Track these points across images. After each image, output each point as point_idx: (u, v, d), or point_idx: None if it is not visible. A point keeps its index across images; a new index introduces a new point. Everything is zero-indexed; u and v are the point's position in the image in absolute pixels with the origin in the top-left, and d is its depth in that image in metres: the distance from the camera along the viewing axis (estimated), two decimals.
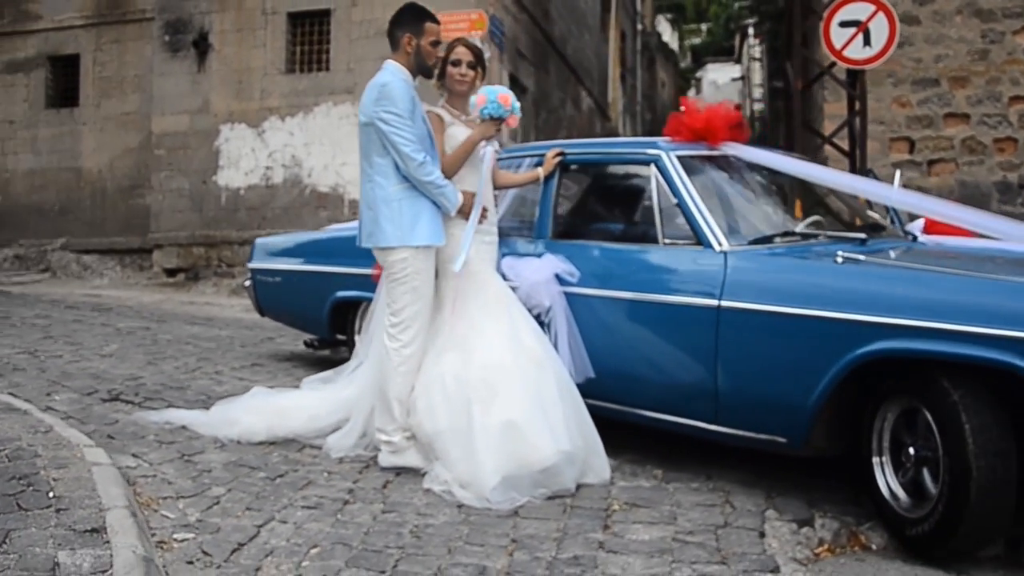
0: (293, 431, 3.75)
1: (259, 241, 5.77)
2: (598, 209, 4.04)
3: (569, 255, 3.72)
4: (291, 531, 2.81)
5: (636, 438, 3.70)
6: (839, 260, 3.01)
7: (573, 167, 4.00)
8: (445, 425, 3.29)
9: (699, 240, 3.36)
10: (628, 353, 3.52)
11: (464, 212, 3.52)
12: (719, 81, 36.95)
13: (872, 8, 6.73)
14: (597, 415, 3.60)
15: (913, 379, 2.78)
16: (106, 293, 10.79)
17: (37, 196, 13.04)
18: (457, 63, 3.58)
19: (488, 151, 3.65)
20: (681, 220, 3.45)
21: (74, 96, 12.88)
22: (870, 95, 8.66)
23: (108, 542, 2.37)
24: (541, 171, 3.93)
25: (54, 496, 2.69)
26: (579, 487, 3.26)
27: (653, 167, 3.59)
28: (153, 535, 2.67)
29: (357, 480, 3.34)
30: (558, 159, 3.93)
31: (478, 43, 3.65)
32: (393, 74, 3.41)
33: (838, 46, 6.85)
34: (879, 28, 6.72)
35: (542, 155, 4.00)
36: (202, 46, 11.37)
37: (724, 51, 36.55)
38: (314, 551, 2.66)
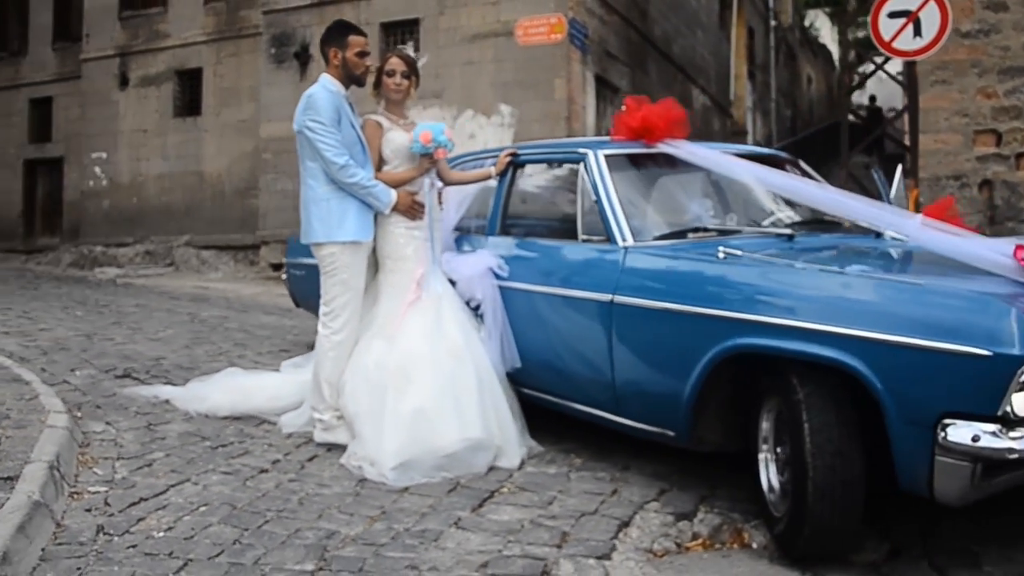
0: (256, 408, 4.12)
1: (292, 237, 6.22)
2: (538, 206, 4.17)
3: (508, 250, 3.88)
4: (196, 492, 3.13)
5: (585, 429, 3.72)
6: (720, 256, 3.01)
7: (523, 167, 4.14)
8: (364, 408, 3.54)
9: (608, 236, 3.44)
10: (552, 345, 3.64)
11: (399, 208, 3.76)
12: (882, 75, 35.00)
13: None
14: (538, 405, 3.75)
15: (777, 377, 2.77)
16: (214, 286, 11.77)
17: (166, 197, 14.43)
18: (392, 73, 3.84)
19: (425, 183, 3.87)
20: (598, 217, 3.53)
21: (197, 106, 14.17)
22: (952, 86, 8.17)
23: (13, 488, 2.78)
24: (493, 170, 4.11)
25: None
26: (489, 470, 3.41)
27: (581, 165, 3.69)
28: (74, 487, 3.08)
29: (289, 453, 3.64)
30: (510, 159, 4.10)
31: (411, 53, 3.88)
32: (323, 86, 3.70)
33: (887, 37, 6.56)
34: (930, 17, 6.38)
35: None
36: (303, 57, 12.18)
37: None
38: (202, 509, 2.96)
